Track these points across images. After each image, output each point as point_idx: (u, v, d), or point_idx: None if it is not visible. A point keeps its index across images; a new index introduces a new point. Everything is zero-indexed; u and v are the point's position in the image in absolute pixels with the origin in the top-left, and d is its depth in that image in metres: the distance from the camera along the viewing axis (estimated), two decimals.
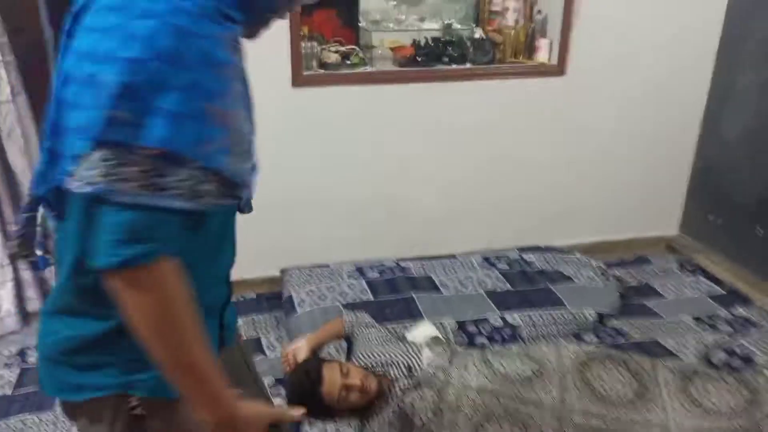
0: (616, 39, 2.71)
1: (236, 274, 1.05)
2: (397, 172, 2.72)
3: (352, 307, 2.34)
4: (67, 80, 0.77)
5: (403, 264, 2.70)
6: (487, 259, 2.74)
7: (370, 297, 2.44)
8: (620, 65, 2.74)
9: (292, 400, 1.83)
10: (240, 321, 2.29)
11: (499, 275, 2.61)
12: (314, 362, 1.87)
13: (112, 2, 0.75)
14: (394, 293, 2.46)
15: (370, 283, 2.53)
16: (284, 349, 2.07)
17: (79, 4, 0.81)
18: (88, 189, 0.73)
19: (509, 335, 2.26)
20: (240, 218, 0.99)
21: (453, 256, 2.79)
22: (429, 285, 2.53)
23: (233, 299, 1.08)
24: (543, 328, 2.30)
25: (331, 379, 1.77)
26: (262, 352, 2.29)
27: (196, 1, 0.75)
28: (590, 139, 2.86)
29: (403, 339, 2.02)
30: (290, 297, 2.47)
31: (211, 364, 0.84)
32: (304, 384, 1.79)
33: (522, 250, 2.83)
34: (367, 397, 1.79)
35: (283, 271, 2.68)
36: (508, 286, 2.54)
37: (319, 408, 1.77)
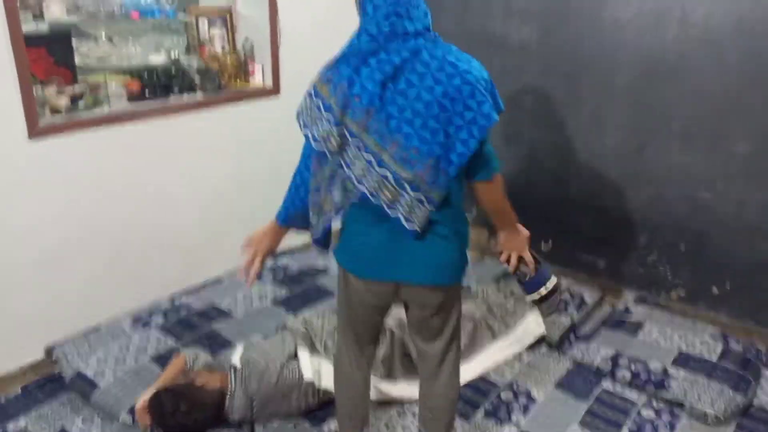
0: (311, 59, 3.14)
1: None
2: (151, 206, 2.62)
3: (160, 359, 2.27)
4: (435, 104, 1.33)
5: (178, 302, 2.66)
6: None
7: (173, 343, 2.38)
8: None
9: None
10: (23, 421, 2.09)
11: (271, 284, 2.84)
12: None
13: (451, 58, 1.40)
14: (195, 331, 2.46)
15: (164, 329, 2.45)
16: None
17: (391, 70, 1.33)
18: (480, 139, 1.38)
19: None
20: None
21: (220, 280, 2.88)
22: (218, 313, 2.60)
23: None
24: None
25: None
26: None
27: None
28: None
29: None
30: (79, 374, 2.21)
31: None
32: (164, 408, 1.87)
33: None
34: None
35: (49, 350, 2.33)
36: (286, 291, 2.81)
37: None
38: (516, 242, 1.68)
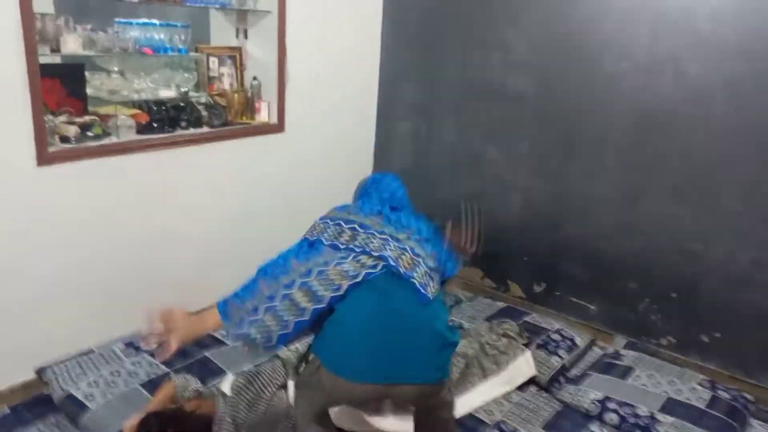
0: (316, 99, 3.28)
1: None
2: (153, 236, 2.69)
3: (151, 384, 2.29)
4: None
5: None
6: None
7: (163, 368, 2.40)
8: (321, 120, 3.33)
9: None
10: None
11: None
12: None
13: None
14: (188, 358, 2.48)
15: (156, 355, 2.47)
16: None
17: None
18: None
19: None
20: None
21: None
22: (211, 341, 2.62)
23: None
24: None
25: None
26: None
27: None
28: (307, 182, 3.35)
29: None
30: (69, 396, 2.22)
31: None
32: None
33: None
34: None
35: (40, 371, 2.35)
36: None
37: None
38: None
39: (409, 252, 1.61)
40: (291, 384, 2.12)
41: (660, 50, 2.63)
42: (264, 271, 1.63)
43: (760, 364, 2.61)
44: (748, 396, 2.50)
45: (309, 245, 1.66)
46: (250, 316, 1.55)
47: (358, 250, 1.60)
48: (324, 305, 1.55)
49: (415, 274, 1.57)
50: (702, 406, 2.35)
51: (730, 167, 2.54)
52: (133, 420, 1.96)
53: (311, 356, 1.68)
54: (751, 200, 2.51)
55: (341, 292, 1.54)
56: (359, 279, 1.55)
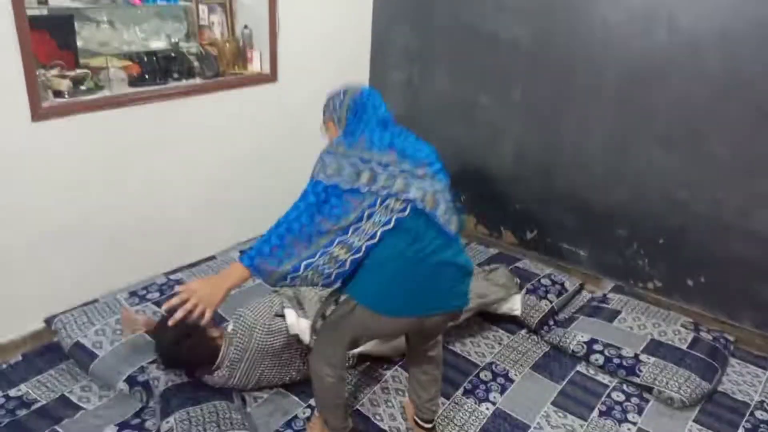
0: (308, 47, 3.25)
1: None
2: (149, 188, 2.72)
3: None
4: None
5: (173, 277, 2.77)
6: (242, 251, 3.03)
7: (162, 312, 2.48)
8: (314, 68, 3.30)
9: None
10: (24, 387, 2.19)
11: None
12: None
13: None
14: None
15: (159, 303, 2.55)
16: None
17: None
18: None
19: None
20: None
21: (213, 257, 2.98)
22: None
23: None
24: None
25: None
26: (76, 408, 2.13)
27: None
28: (301, 131, 3.35)
29: None
30: (77, 343, 2.31)
31: None
32: None
33: None
34: None
35: (48, 320, 2.44)
36: None
37: None
38: None
39: (431, 189, 1.64)
40: (289, 312, 2.20)
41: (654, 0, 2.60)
42: (290, 230, 1.59)
43: (741, 307, 2.71)
44: (729, 337, 2.62)
45: (325, 192, 1.60)
46: (291, 274, 1.60)
47: (383, 193, 1.59)
48: (361, 254, 1.62)
49: (438, 212, 1.64)
50: (684, 346, 2.46)
51: (719, 117, 2.56)
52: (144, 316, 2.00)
53: (342, 298, 1.77)
54: (738, 149, 2.55)
55: (376, 240, 1.60)
56: (391, 225, 1.60)
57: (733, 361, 2.52)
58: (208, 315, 1.62)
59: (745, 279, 2.66)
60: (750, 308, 2.69)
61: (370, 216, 1.59)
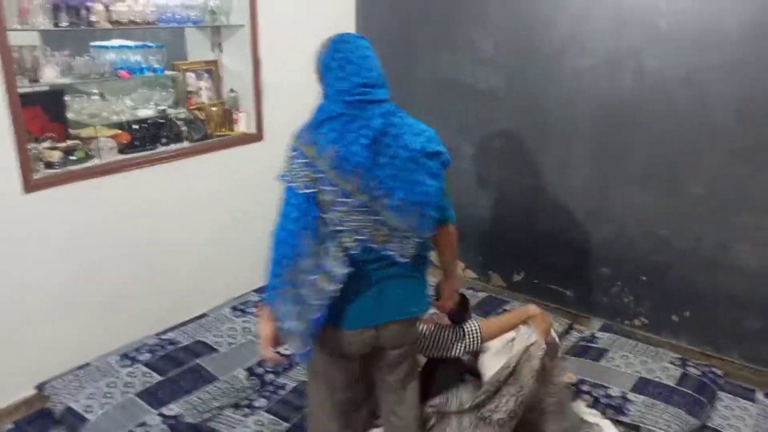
0: (292, 105, 3.34)
1: None
2: (142, 251, 2.79)
3: (146, 394, 2.40)
4: (410, 160, 1.54)
5: (165, 337, 2.81)
6: (234, 308, 3.08)
7: (158, 377, 2.51)
8: (298, 125, 3.40)
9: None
10: None
11: (255, 317, 2.98)
12: None
13: (410, 121, 1.62)
14: (178, 366, 2.59)
15: (150, 365, 2.59)
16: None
17: (372, 134, 1.51)
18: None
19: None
20: None
21: (205, 315, 3.03)
22: (204, 348, 2.74)
23: None
24: None
25: None
26: None
27: None
28: None
29: None
30: (69, 408, 2.33)
31: None
32: None
33: None
34: None
35: (40, 386, 2.47)
36: None
37: None
38: (455, 285, 1.98)
39: (383, 227, 1.56)
40: None
41: (620, 45, 2.72)
42: (280, 259, 1.58)
43: (728, 340, 2.73)
44: (717, 371, 2.63)
45: (305, 201, 1.53)
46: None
47: (338, 228, 1.55)
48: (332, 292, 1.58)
49: (388, 247, 1.60)
50: (672, 383, 2.47)
51: (692, 156, 2.65)
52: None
53: None
54: (713, 187, 2.62)
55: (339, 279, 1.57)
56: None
57: (722, 394, 2.52)
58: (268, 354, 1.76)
59: (730, 312, 2.69)
60: (736, 341, 2.71)
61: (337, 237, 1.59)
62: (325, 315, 1.59)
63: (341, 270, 1.55)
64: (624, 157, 2.84)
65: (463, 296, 2.10)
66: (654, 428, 2.25)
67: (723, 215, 2.62)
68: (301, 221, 1.53)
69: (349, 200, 1.52)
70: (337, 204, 1.53)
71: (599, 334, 2.88)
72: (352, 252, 1.57)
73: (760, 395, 2.52)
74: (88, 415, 2.29)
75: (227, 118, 3.19)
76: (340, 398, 1.85)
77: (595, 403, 2.40)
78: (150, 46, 2.81)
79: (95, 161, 2.59)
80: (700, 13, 2.51)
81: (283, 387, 2.55)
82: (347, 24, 3.62)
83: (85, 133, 2.67)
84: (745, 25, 2.41)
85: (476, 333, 2.09)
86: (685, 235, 2.74)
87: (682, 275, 2.78)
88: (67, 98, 2.65)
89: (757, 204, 2.53)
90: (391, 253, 1.62)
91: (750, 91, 2.45)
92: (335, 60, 1.56)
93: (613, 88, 2.79)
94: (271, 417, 2.36)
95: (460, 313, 2.11)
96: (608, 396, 2.42)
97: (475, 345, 2.09)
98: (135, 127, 2.81)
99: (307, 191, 1.52)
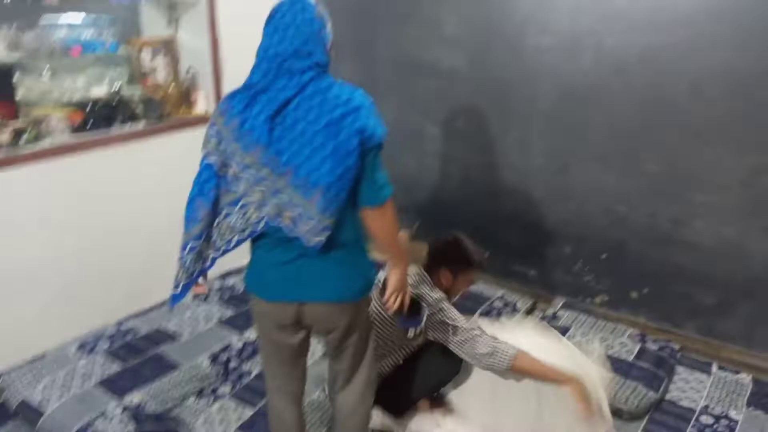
0: None
1: None
2: (97, 236, 2.70)
3: (106, 384, 2.34)
4: (320, 134, 1.42)
5: (124, 327, 2.73)
6: (195, 295, 3.01)
7: (118, 368, 2.45)
8: None
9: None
10: None
11: (218, 304, 2.93)
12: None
13: (334, 90, 1.46)
14: (139, 355, 2.53)
15: (109, 354, 2.52)
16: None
17: (276, 107, 1.43)
18: (367, 162, 1.50)
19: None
20: None
21: (166, 303, 2.96)
22: (165, 336, 2.67)
23: None
24: None
25: None
26: None
27: None
28: None
29: None
30: (23, 402, 2.25)
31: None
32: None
33: None
34: None
35: None
36: (232, 311, 2.90)
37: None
38: (402, 281, 1.69)
39: (288, 206, 1.48)
40: None
41: (580, 24, 2.74)
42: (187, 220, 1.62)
43: (684, 315, 2.82)
44: (675, 345, 2.71)
45: (205, 169, 1.56)
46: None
47: (241, 201, 1.53)
48: (220, 253, 1.61)
49: (297, 229, 1.49)
50: (630, 358, 2.54)
51: (649, 133, 2.69)
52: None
53: None
54: (669, 164, 2.68)
55: (232, 245, 1.57)
56: (245, 236, 1.56)
57: (679, 368, 2.60)
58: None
59: (686, 288, 2.77)
60: (692, 316, 2.80)
61: (227, 216, 1.57)
62: (206, 268, 1.64)
63: (221, 247, 1.58)
64: (584, 135, 2.87)
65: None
66: (614, 403, 2.31)
67: (678, 192, 2.69)
68: (196, 188, 1.57)
69: (249, 174, 1.48)
70: (240, 177, 1.50)
71: (561, 313, 2.94)
72: (259, 227, 1.53)
73: (714, 368, 2.62)
74: (44, 408, 2.22)
75: (185, 98, 3.10)
76: (275, 371, 1.77)
77: None
78: (102, 18, 2.68)
79: (46, 142, 2.47)
80: None
81: (248, 373, 2.51)
82: None
83: (36, 112, 2.55)
84: (700, 4, 2.45)
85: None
86: (643, 212, 2.80)
87: (641, 252, 2.85)
88: (16, 76, 2.51)
89: (710, 180, 2.60)
90: (299, 234, 1.49)
91: (703, 69, 2.50)
92: (266, 26, 1.51)
93: (573, 66, 2.81)
94: (236, 403, 2.33)
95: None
96: None
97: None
98: (88, 106, 2.69)
99: (207, 160, 1.53)
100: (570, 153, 2.92)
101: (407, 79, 3.37)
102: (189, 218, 1.59)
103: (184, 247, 1.61)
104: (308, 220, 1.47)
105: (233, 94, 1.51)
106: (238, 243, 1.57)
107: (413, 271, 2.11)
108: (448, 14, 3.13)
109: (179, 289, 1.65)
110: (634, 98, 2.69)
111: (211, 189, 1.54)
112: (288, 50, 1.45)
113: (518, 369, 1.97)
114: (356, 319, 1.68)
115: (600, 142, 2.83)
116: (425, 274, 2.12)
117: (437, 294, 2.06)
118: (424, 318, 1.97)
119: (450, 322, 2.01)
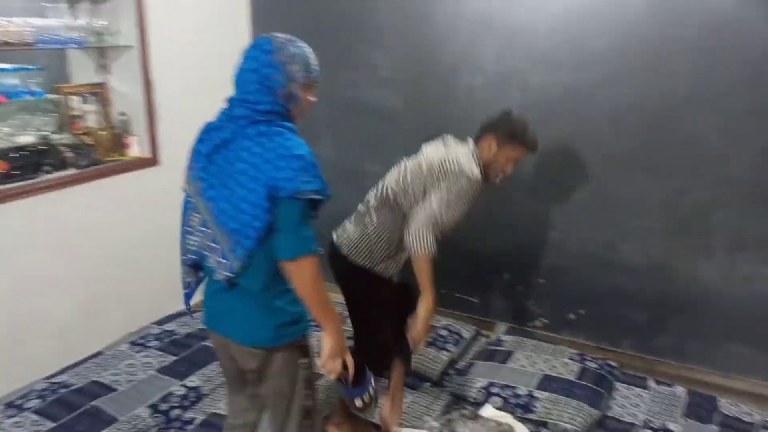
0: (191, 127, 3.26)
1: None
2: (24, 288, 2.58)
3: None
4: (242, 178, 1.44)
5: (56, 380, 2.60)
6: (133, 343, 2.91)
7: (50, 424, 2.31)
8: None
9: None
10: None
11: (157, 351, 2.83)
12: None
13: (272, 139, 1.46)
14: (73, 410, 2.40)
15: (40, 412, 2.38)
16: None
17: (214, 146, 1.50)
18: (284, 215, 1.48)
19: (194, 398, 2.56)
20: None
21: (101, 353, 2.84)
22: (100, 389, 2.55)
23: None
24: None
25: None
26: None
27: None
28: None
29: None
30: None
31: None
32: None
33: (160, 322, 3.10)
34: None
35: None
36: (172, 357, 2.80)
37: None
38: (337, 345, 1.58)
39: (209, 240, 1.54)
40: None
41: (507, 64, 2.89)
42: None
43: (620, 333, 2.93)
44: (613, 363, 2.81)
45: (184, 200, 1.66)
46: None
47: (184, 227, 1.66)
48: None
49: (211, 261, 1.53)
50: (573, 378, 2.61)
51: (574, 164, 2.84)
52: None
53: None
54: (596, 192, 2.82)
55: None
56: (186, 260, 1.66)
57: (618, 385, 2.69)
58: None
59: (620, 307, 2.89)
60: (627, 334, 2.91)
61: (185, 235, 1.67)
62: (190, 294, 1.71)
63: (185, 276, 1.67)
64: (516, 167, 2.98)
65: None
66: (560, 422, 2.36)
67: (607, 217, 2.83)
68: (181, 219, 1.66)
69: (191, 202, 1.60)
70: (189, 203, 1.62)
71: (504, 338, 3.00)
72: (190, 254, 1.63)
73: (651, 382, 2.72)
74: None
75: (118, 143, 3.04)
76: (227, 401, 1.89)
77: (504, 404, 2.48)
78: (28, 69, 2.63)
79: None
80: (574, 36, 2.71)
81: (190, 421, 2.42)
82: (242, 43, 3.57)
83: None
84: (614, 45, 2.64)
85: None
86: (575, 238, 2.92)
87: (576, 276, 2.96)
88: None
89: (635, 206, 2.75)
90: (212, 265, 1.54)
91: (621, 103, 2.68)
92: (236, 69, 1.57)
93: (503, 102, 2.92)
94: None
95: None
96: (516, 395, 2.51)
97: None
98: (13, 155, 2.60)
99: (184, 192, 1.64)
100: (504, 185, 3.02)
101: (345, 119, 3.43)
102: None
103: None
104: (221, 257, 1.52)
105: (205, 126, 1.61)
106: (183, 264, 1.67)
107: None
108: (382, 58, 3.23)
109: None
110: (559, 131, 2.83)
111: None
112: (236, 97, 1.53)
113: (421, 262, 2.10)
114: (269, 367, 1.61)
115: (531, 172, 2.96)
116: (475, 147, 2.23)
117: (468, 169, 2.15)
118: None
119: (435, 205, 2.14)
